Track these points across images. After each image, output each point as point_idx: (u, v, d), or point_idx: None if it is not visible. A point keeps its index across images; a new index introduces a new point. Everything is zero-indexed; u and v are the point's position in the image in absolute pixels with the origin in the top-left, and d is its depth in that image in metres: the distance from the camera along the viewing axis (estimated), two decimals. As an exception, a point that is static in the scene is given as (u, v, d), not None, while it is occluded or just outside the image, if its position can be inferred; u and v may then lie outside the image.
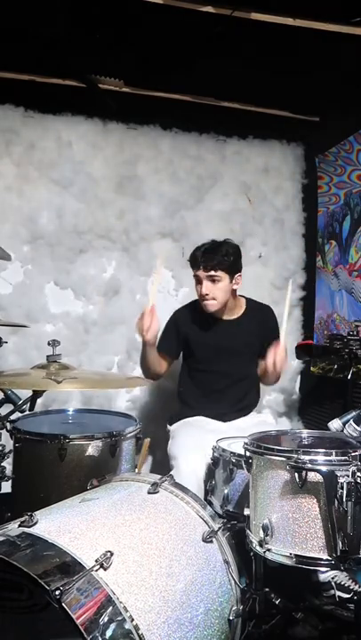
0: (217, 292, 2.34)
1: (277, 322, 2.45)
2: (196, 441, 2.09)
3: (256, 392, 2.58)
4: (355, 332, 2.70)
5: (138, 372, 3.12)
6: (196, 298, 2.50)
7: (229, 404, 2.44)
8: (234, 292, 2.44)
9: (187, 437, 2.22)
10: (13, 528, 1.21)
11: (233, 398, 2.45)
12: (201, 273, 2.33)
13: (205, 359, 2.45)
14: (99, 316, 3.10)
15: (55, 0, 2.27)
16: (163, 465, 2.38)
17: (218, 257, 2.31)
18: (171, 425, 2.44)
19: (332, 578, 1.88)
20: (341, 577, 1.88)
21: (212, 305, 2.36)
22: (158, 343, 2.44)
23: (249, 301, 2.55)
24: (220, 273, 2.31)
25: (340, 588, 1.86)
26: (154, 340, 2.32)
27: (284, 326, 2.29)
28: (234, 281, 2.38)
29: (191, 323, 2.48)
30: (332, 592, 1.86)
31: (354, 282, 3.00)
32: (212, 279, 2.32)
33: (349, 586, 1.86)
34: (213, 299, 2.34)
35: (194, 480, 1.94)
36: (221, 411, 2.42)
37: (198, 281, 2.37)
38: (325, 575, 1.88)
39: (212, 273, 2.31)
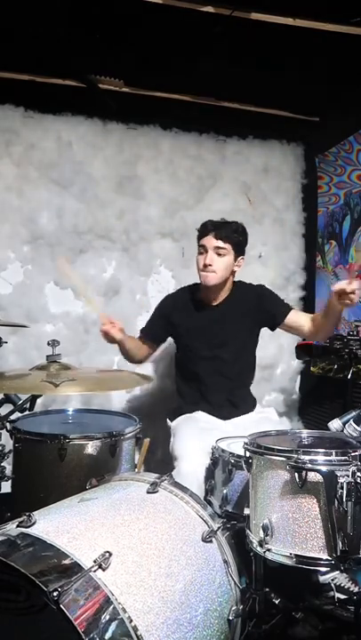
0: (220, 264, 2.30)
1: (277, 295, 2.44)
2: (199, 441, 2.08)
3: (250, 373, 2.50)
4: (355, 332, 2.70)
5: (138, 372, 3.13)
6: (188, 284, 2.53)
7: (224, 393, 2.37)
8: (232, 274, 2.40)
9: (189, 437, 2.20)
10: (12, 528, 1.21)
11: (227, 386, 2.38)
12: (209, 241, 2.29)
13: (194, 345, 2.40)
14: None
15: (55, 0, 2.27)
16: (163, 465, 2.37)
17: (229, 230, 2.30)
18: (172, 421, 2.42)
19: (332, 580, 1.88)
20: (341, 579, 1.87)
21: (212, 277, 2.31)
22: (145, 330, 2.50)
23: (240, 285, 2.49)
24: (227, 245, 2.29)
25: (340, 589, 1.86)
26: (123, 336, 2.32)
27: None
28: (236, 262, 2.36)
29: (180, 307, 2.46)
30: (332, 594, 1.85)
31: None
32: (218, 252, 2.29)
33: (349, 588, 1.86)
34: (214, 271, 2.30)
35: (195, 481, 1.93)
36: (217, 401, 2.36)
37: (203, 251, 2.32)
38: (325, 577, 1.87)
39: (220, 244, 2.28)
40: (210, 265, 2.29)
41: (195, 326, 2.41)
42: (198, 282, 2.44)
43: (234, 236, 2.32)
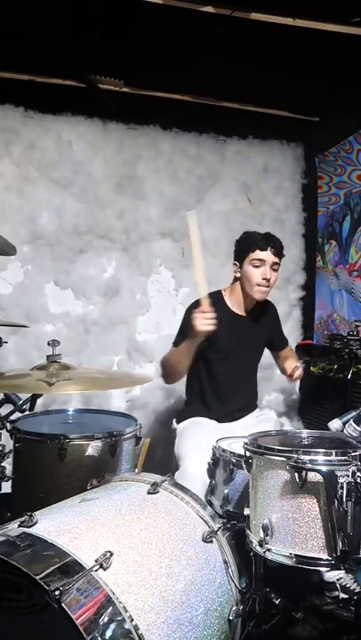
0: (273, 280, 2.31)
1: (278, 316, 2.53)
2: (203, 442, 2.08)
3: (256, 385, 2.56)
4: (355, 332, 2.70)
5: (138, 371, 3.14)
6: (211, 292, 2.33)
7: (240, 399, 2.41)
8: None
9: (193, 438, 2.20)
10: (13, 528, 1.21)
11: (244, 393, 2.43)
12: (268, 256, 2.27)
13: (222, 353, 2.37)
14: (99, 316, 3.10)
15: (55, 0, 2.27)
16: (163, 465, 2.37)
17: (281, 247, 2.30)
18: (178, 423, 2.42)
19: (338, 579, 1.88)
20: (347, 579, 1.87)
21: (266, 292, 2.32)
22: (178, 339, 2.31)
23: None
24: (279, 261, 2.31)
25: (344, 589, 1.86)
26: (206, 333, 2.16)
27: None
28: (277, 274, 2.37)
29: (216, 311, 2.42)
30: (336, 593, 1.86)
31: (354, 282, 3.00)
32: (274, 267, 2.30)
33: (354, 589, 1.86)
34: (270, 286, 2.31)
35: (199, 481, 1.93)
36: (232, 407, 2.38)
37: (260, 265, 2.27)
38: (330, 575, 1.87)
39: (277, 260, 2.29)
40: (269, 279, 2.29)
41: (224, 335, 2.31)
42: (220, 289, 2.42)
43: (282, 251, 2.33)
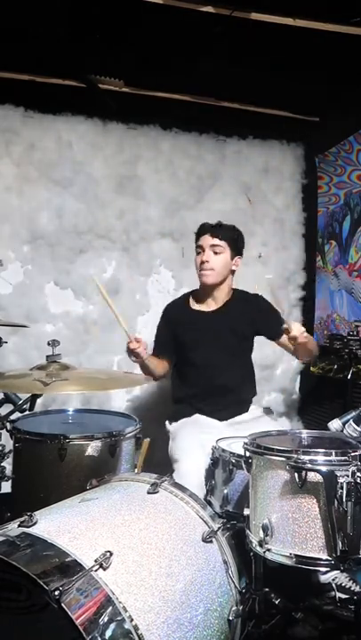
0: (217, 262, 2.34)
1: (273, 307, 2.37)
2: (197, 442, 2.08)
3: (251, 384, 2.51)
4: (355, 332, 2.70)
5: (138, 372, 3.13)
6: (188, 291, 2.55)
7: (223, 397, 2.37)
8: (230, 274, 2.42)
9: (187, 439, 2.20)
10: (13, 528, 1.21)
11: (225, 390, 2.38)
12: (205, 240, 2.34)
13: (193, 351, 2.40)
14: (99, 316, 3.10)
15: (55, 0, 2.27)
16: (163, 465, 2.37)
17: (224, 229, 2.37)
18: (170, 424, 2.42)
19: (333, 579, 1.88)
20: (342, 578, 1.88)
21: (210, 275, 2.35)
22: (156, 347, 2.47)
23: (236, 292, 2.50)
24: (223, 243, 2.34)
25: (341, 589, 1.86)
26: (145, 354, 2.30)
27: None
28: (233, 261, 2.39)
29: (179, 315, 2.48)
30: (333, 593, 1.86)
31: (354, 282, 3.00)
32: (215, 250, 2.33)
33: (350, 587, 1.86)
34: (212, 269, 2.34)
35: (194, 481, 1.93)
36: (216, 406, 2.36)
37: (200, 250, 2.37)
38: (326, 576, 1.87)
39: (216, 242, 2.33)
40: (207, 262, 2.32)
41: (193, 331, 2.41)
42: (198, 288, 2.47)
43: (231, 234, 2.37)
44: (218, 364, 2.37)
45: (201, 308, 2.46)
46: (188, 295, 2.55)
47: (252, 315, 2.42)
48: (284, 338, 2.33)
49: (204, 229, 2.39)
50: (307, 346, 2.20)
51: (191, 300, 2.51)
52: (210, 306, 2.45)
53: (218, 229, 2.36)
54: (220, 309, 2.43)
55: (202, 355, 2.39)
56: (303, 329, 2.11)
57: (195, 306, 2.48)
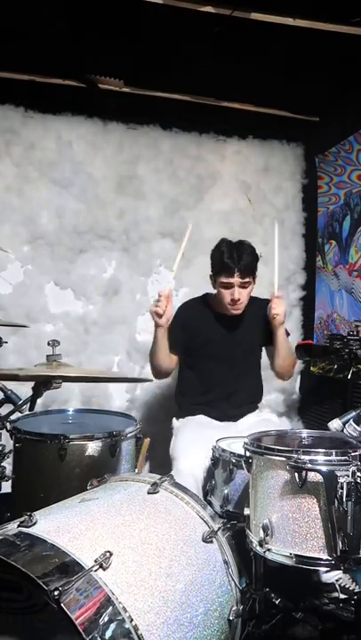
0: (246, 296, 2.36)
1: None
2: (197, 441, 2.09)
3: (259, 388, 2.58)
4: (355, 332, 2.70)
5: (138, 372, 3.14)
6: (199, 296, 2.55)
7: (234, 398, 2.43)
8: None
9: (187, 438, 2.22)
10: (12, 528, 1.21)
11: (234, 394, 2.44)
12: (236, 280, 2.30)
13: (210, 353, 2.43)
14: (99, 315, 3.10)
15: (55, 0, 2.27)
16: (163, 465, 2.37)
17: (249, 264, 2.32)
18: (178, 420, 2.45)
19: (336, 580, 1.88)
20: (345, 579, 1.88)
21: (239, 308, 2.37)
22: (169, 343, 2.42)
23: (251, 298, 2.50)
24: (249, 278, 2.34)
25: (343, 590, 1.86)
26: (167, 325, 2.30)
27: (276, 269, 2.38)
28: (254, 281, 2.40)
29: (197, 318, 2.47)
30: (335, 594, 1.86)
31: (354, 282, 3.00)
32: (244, 285, 2.33)
33: (353, 589, 1.86)
34: (242, 303, 2.36)
35: (192, 480, 1.94)
36: (225, 406, 2.41)
37: (228, 286, 2.33)
38: (328, 576, 1.87)
39: (246, 279, 2.32)
40: (239, 299, 2.33)
41: (213, 335, 2.43)
42: (209, 292, 2.50)
43: (254, 265, 2.35)
44: (231, 370, 2.41)
45: (219, 312, 2.46)
46: (204, 298, 2.54)
47: (265, 319, 2.45)
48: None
49: (229, 268, 2.29)
50: (286, 351, 2.42)
51: (208, 303, 2.51)
52: (227, 310, 2.44)
53: (247, 268, 2.30)
54: (237, 316, 2.45)
55: (215, 359, 2.41)
56: (283, 311, 2.34)
57: (212, 310, 2.48)
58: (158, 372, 2.45)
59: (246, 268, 2.30)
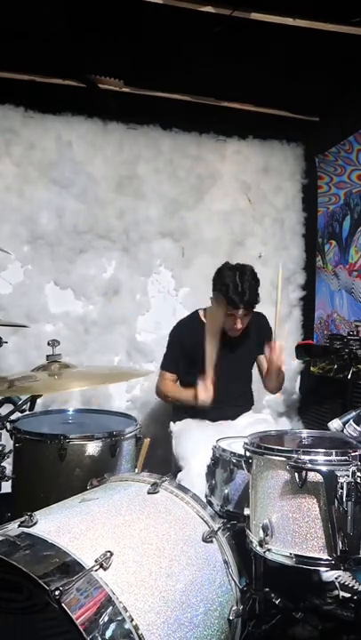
0: (246, 322, 2.41)
1: (270, 325, 2.53)
2: (203, 441, 2.10)
3: (250, 394, 2.66)
4: (355, 332, 2.70)
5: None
6: (195, 310, 2.62)
7: (228, 406, 2.47)
8: None
9: (194, 438, 2.24)
10: (13, 528, 1.21)
11: (231, 398, 2.48)
12: (240, 312, 2.34)
13: (202, 366, 2.43)
14: (99, 315, 3.10)
15: (55, 0, 2.27)
16: (163, 465, 2.37)
17: (254, 298, 2.36)
18: (175, 424, 2.46)
19: (336, 578, 1.88)
20: (345, 577, 1.88)
21: (239, 332, 2.43)
22: (169, 363, 2.53)
23: None
24: (252, 307, 2.40)
25: (344, 587, 1.86)
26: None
27: (278, 315, 2.41)
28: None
29: (194, 336, 2.47)
30: (336, 592, 1.86)
31: (354, 282, 3.00)
32: (247, 314, 2.38)
33: (353, 586, 1.86)
34: (243, 328, 2.41)
35: (202, 481, 1.94)
36: (221, 413, 2.45)
37: (231, 315, 2.36)
38: (328, 574, 1.87)
39: (249, 310, 2.38)
40: (241, 327, 2.39)
41: (202, 351, 2.42)
42: (197, 310, 2.58)
43: (258, 299, 2.39)
44: (226, 383, 2.42)
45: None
46: (197, 315, 2.58)
47: (260, 332, 2.53)
48: (261, 357, 2.55)
49: (236, 304, 2.32)
50: (279, 375, 2.48)
51: (202, 318, 2.54)
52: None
53: (250, 303, 2.35)
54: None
55: (217, 368, 2.41)
56: (282, 355, 2.42)
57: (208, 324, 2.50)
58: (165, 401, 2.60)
59: (250, 302, 2.35)
